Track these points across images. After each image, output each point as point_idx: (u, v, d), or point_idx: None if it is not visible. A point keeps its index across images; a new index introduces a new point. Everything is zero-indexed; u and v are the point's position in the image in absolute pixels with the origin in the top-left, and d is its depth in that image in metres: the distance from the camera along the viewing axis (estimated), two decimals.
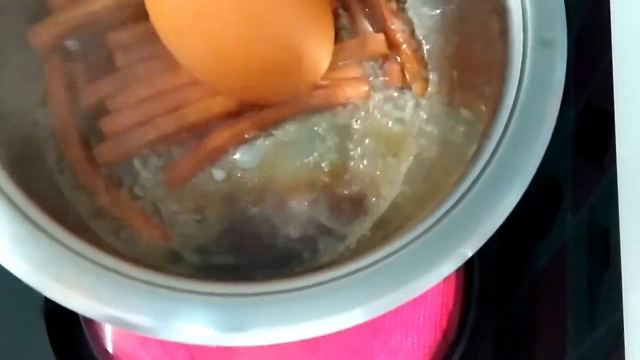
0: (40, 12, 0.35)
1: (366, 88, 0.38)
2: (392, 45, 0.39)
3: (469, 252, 0.26)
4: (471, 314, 0.39)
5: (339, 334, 0.37)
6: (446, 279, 0.39)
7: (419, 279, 0.26)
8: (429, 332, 0.37)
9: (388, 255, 0.26)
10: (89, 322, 0.37)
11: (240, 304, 0.25)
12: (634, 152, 0.28)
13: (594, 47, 0.34)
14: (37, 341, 0.38)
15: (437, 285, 0.38)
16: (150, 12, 0.32)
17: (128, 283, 0.25)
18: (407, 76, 0.38)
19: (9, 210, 0.26)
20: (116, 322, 0.25)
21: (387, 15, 0.38)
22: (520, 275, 0.40)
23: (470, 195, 0.28)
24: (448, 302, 0.38)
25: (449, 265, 0.26)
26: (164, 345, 0.36)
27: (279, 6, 0.33)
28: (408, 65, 0.38)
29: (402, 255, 0.26)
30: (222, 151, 0.36)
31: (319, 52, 0.36)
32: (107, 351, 0.36)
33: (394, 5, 0.39)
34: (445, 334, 0.38)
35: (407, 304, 0.38)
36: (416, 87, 0.38)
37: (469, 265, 0.40)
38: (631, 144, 0.28)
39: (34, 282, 0.25)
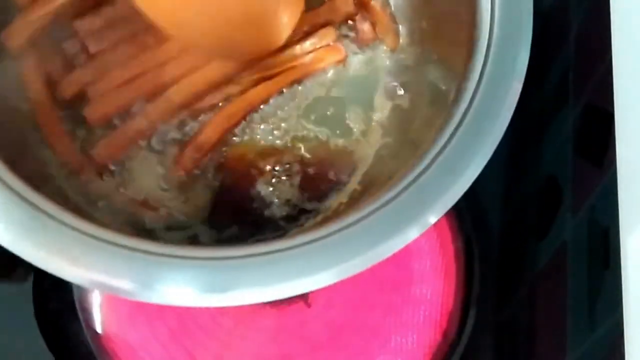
0: (7, 13, 0.35)
1: (343, 53, 0.39)
2: (360, 3, 0.39)
3: (432, 219, 0.27)
4: (471, 314, 0.39)
5: (339, 334, 0.37)
6: (446, 279, 0.39)
7: (386, 243, 0.27)
8: (429, 332, 0.37)
9: (359, 220, 0.27)
10: (89, 323, 0.37)
11: (220, 267, 0.26)
12: (634, 152, 0.28)
13: (594, 47, 0.34)
14: (30, 338, 0.38)
15: (437, 285, 0.38)
16: None
17: (111, 249, 0.26)
18: (378, 32, 0.39)
19: None
20: (101, 287, 0.26)
21: None
22: (520, 275, 0.40)
23: (449, 146, 0.28)
24: (448, 302, 0.38)
25: (414, 231, 0.27)
26: (164, 344, 0.36)
27: None
28: (378, 21, 0.39)
29: (371, 220, 0.27)
30: (218, 142, 0.37)
31: (291, 6, 0.36)
32: (106, 352, 0.36)
33: None
34: (445, 334, 0.38)
35: (407, 304, 0.38)
36: (388, 41, 0.39)
37: (469, 265, 0.40)
38: (631, 144, 0.28)
39: (18, 250, 0.26)
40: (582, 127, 0.35)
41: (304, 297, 0.37)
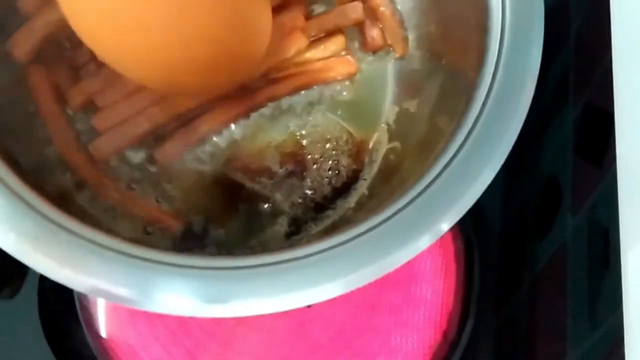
0: (11, 24, 0.35)
1: (354, 67, 0.38)
2: (370, 9, 0.39)
3: (445, 226, 0.27)
4: (471, 314, 0.39)
5: (339, 334, 0.37)
6: (446, 280, 0.39)
7: (396, 253, 0.26)
8: (429, 332, 0.37)
9: (368, 230, 0.27)
10: (90, 323, 0.37)
11: (222, 277, 0.26)
12: (634, 152, 0.27)
13: (594, 47, 0.34)
14: (33, 339, 0.38)
15: (437, 285, 0.38)
16: (67, 13, 0.29)
17: (112, 256, 0.26)
18: (388, 38, 0.39)
19: None
20: (100, 293, 0.26)
21: None
22: (520, 275, 0.40)
23: (456, 160, 0.28)
24: (448, 302, 0.38)
25: (426, 240, 0.27)
26: (164, 344, 0.36)
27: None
28: (387, 27, 0.39)
29: (380, 230, 0.27)
30: (211, 133, 0.37)
31: (255, 43, 0.34)
32: (107, 352, 0.36)
33: None
34: (445, 334, 0.38)
35: (407, 304, 0.38)
36: (397, 47, 0.39)
37: (469, 265, 0.40)
38: (631, 144, 0.28)
39: (18, 254, 0.25)
40: (582, 127, 0.35)
41: None
